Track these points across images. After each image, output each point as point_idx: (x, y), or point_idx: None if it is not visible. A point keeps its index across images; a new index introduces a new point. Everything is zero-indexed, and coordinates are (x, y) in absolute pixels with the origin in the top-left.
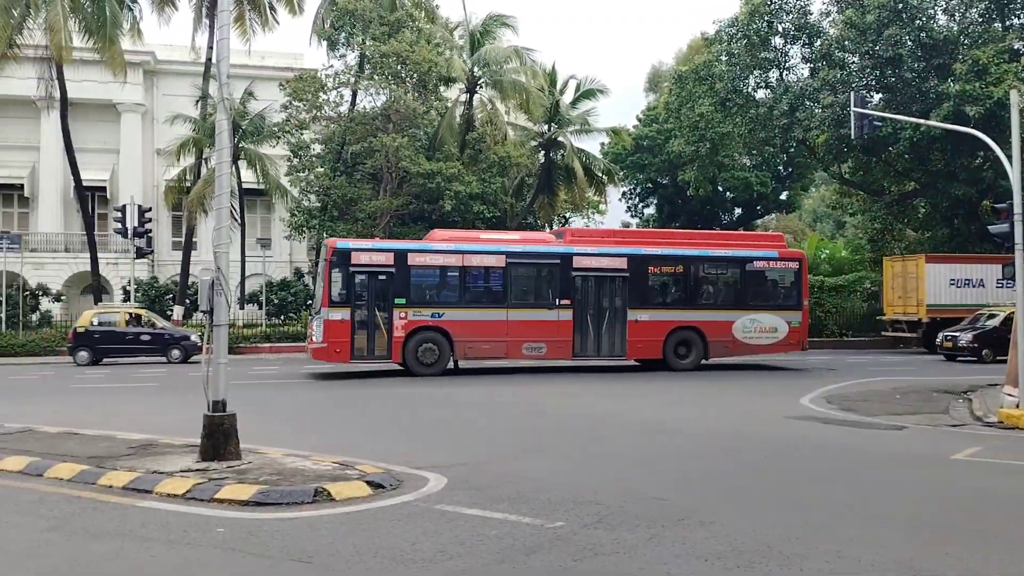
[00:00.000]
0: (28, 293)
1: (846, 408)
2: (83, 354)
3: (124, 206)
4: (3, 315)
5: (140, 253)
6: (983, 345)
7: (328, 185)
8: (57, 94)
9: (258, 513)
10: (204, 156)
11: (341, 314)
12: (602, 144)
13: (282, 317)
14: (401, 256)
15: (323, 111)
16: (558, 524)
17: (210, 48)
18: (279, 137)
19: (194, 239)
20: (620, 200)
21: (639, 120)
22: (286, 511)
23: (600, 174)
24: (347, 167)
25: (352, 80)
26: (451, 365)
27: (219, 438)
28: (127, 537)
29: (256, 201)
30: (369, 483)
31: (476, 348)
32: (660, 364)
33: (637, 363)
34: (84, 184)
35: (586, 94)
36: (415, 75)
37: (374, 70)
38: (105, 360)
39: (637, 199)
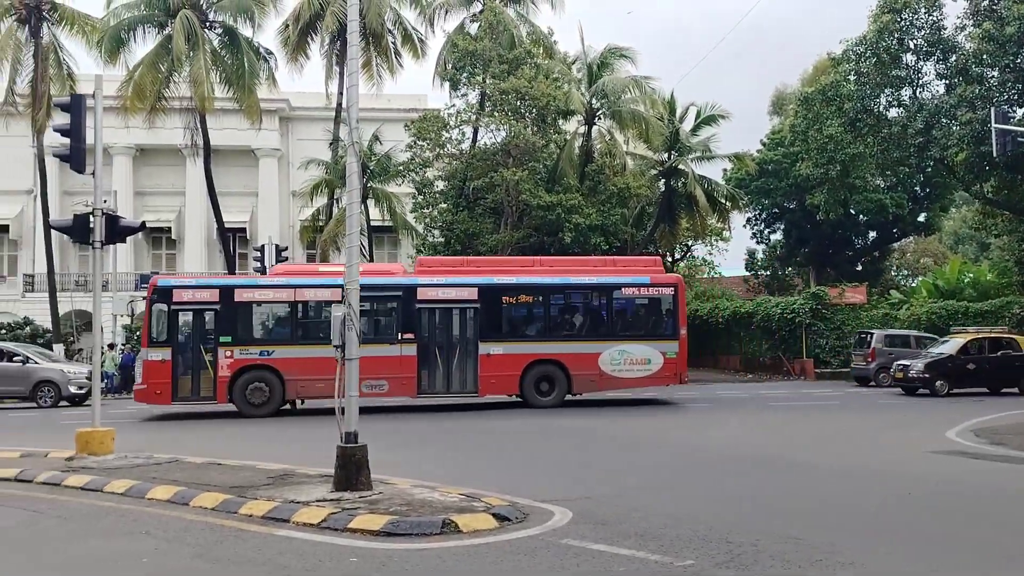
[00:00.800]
0: None
1: (996, 442)
2: None
3: (263, 246)
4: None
5: None
6: (937, 376)
7: (451, 220)
8: (201, 142)
9: (389, 543)
10: (335, 196)
11: (162, 354)
12: (724, 170)
13: None
14: (227, 292)
15: (446, 149)
16: (688, 563)
17: (340, 94)
18: (404, 175)
19: None
20: (745, 227)
21: (763, 144)
22: (415, 542)
23: (723, 200)
24: (469, 202)
25: (473, 118)
26: (294, 404)
27: (351, 469)
28: (266, 566)
29: (384, 237)
30: (495, 515)
31: (310, 387)
32: (524, 402)
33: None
34: (226, 225)
35: (707, 120)
36: (534, 110)
37: (494, 107)
38: None
39: (763, 225)
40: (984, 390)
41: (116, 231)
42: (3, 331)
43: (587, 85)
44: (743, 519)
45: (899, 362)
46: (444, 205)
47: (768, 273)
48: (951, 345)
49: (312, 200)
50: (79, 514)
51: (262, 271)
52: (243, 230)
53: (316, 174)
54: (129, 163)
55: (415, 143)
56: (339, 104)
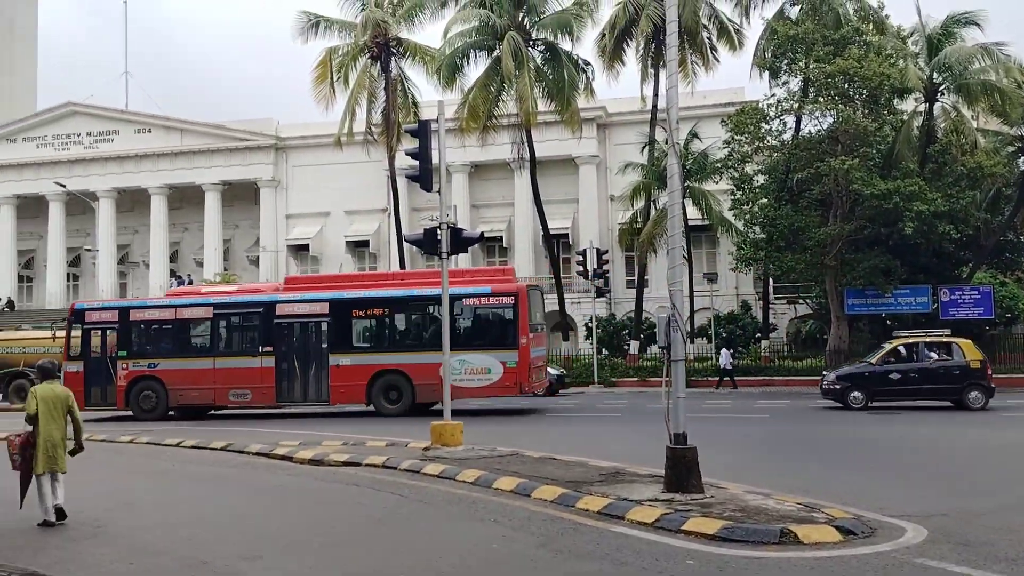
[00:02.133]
0: None
1: None
2: None
3: (584, 250)
4: None
5: (599, 292)
6: (853, 387)
7: (773, 216)
8: (527, 155)
9: (724, 549)
10: (652, 198)
11: (76, 366)
12: None
13: (729, 350)
14: (124, 313)
15: (766, 141)
16: None
17: (655, 96)
18: (722, 172)
19: (645, 277)
20: None
21: None
22: (751, 549)
23: None
24: (792, 195)
25: (795, 106)
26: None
27: (681, 470)
28: (605, 560)
29: (701, 237)
30: (838, 528)
31: (187, 395)
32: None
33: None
34: (550, 232)
35: None
36: (864, 91)
37: (819, 92)
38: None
39: None
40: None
41: (459, 242)
42: None
43: (926, 59)
44: None
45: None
46: (765, 200)
47: None
48: (879, 352)
49: (632, 204)
50: (437, 499)
51: (585, 274)
52: (566, 235)
53: (633, 178)
54: (465, 179)
55: (733, 138)
56: (654, 106)
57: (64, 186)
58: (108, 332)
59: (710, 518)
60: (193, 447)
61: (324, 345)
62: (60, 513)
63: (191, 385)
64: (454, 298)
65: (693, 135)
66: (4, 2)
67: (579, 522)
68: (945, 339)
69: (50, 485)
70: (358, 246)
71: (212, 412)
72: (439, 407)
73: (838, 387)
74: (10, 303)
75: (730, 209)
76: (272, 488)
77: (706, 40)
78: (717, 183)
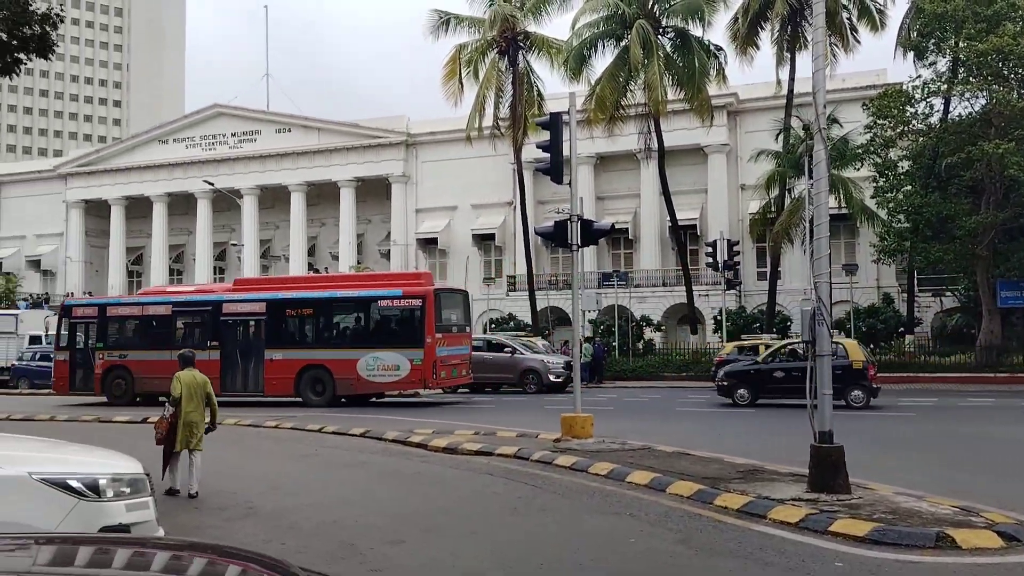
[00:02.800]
0: (634, 324)
1: None
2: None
3: (714, 241)
4: (616, 344)
5: (729, 284)
6: (739, 384)
7: (919, 204)
8: (654, 145)
9: (875, 552)
10: (787, 187)
11: (64, 356)
12: None
13: (870, 345)
14: (102, 309)
15: (911, 125)
16: None
17: (791, 80)
18: (863, 159)
19: (779, 268)
20: None
21: None
22: (905, 553)
23: None
24: (940, 182)
25: (944, 87)
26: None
27: (827, 469)
28: (748, 559)
29: (839, 227)
30: (1000, 534)
31: (149, 383)
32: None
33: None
34: (678, 223)
35: None
36: (1020, 70)
37: (969, 73)
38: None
39: None
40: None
41: (590, 234)
42: (493, 325)
43: None
44: None
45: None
46: (910, 187)
47: None
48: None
49: (768, 192)
50: (570, 491)
51: (714, 266)
52: (693, 227)
53: (766, 167)
54: (591, 171)
55: (875, 122)
56: (790, 91)
57: (212, 184)
58: (91, 326)
59: (859, 520)
60: (334, 433)
61: (261, 341)
62: (189, 493)
63: (154, 374)
64: (370, 300)
65: (832, 120)
66: (155, 11)
67: (718, 519)
68: (833, 341)
69: (187, 460)
70: (484, 239)
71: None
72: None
73: (725, 384)
74: None
75: (872, 197)
76: (409, 474)
77: (845, 21)
78: (858, 170)
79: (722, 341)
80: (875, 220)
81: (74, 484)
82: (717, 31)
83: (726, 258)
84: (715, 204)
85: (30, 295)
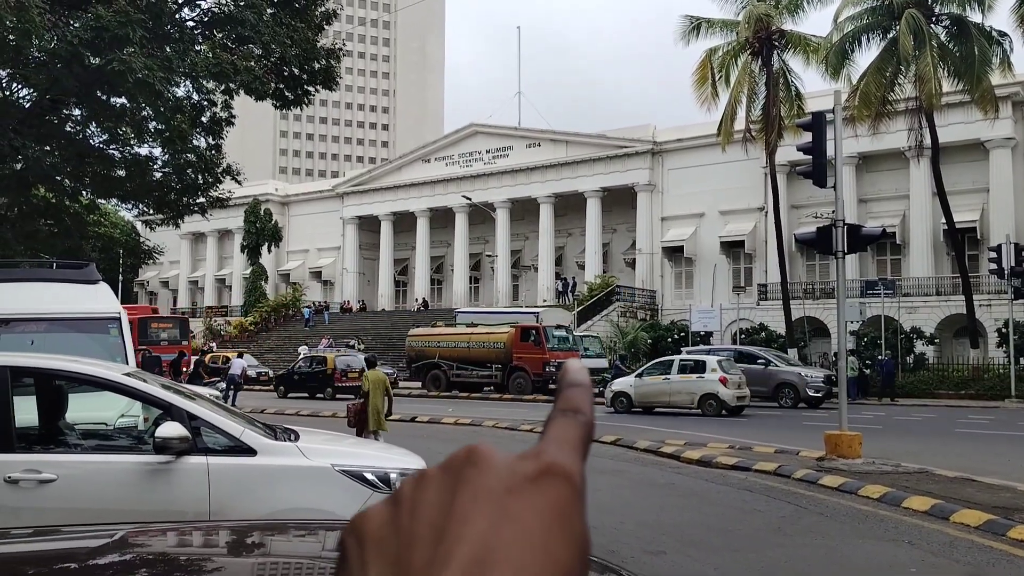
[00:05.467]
0: (903, 336)
1: None
2: None
3: (999, 245)
4: (884, 357)
5: (1017, 293)
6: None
7: None
8: (927, 141)
9: None
10: None
11: None
12: None
13: None
14: None
15: None
16: None
17: None
18: None
19: None
20: None
21: None
22: None
23: None
24: None
25: None
26: None
27: None
28: None
29: None
30: None
31: None
32: None
33: None
34: (955, 226)
35: None
36: None
37: None
38: None
39: None
40: None
41: (857, 240)
42: (743, 336)
43: None
44: None
45: None
46: None
47: None
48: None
49: None
50: (838, 513)
51: (999, 273)
52: (972, 230)
53: None
54: (852, 172)
55: None
56: None
57: (469, 199)
58: None
59: None
60: None
61: None
62: None
63: None
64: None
65: None
66: (418, 39)
67: (1012, 553)
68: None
69: (374, 439)
70: (732, 246)
71: None
72: None
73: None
74: (424, 303)
75: None
76: (663, 484)
77: None
78: None
79: (1008, 356)
80: None
81: (369, 476)
82: (1000, 15)
83: (1013, 264)
84: (998, 204)
85: (312, 303)
